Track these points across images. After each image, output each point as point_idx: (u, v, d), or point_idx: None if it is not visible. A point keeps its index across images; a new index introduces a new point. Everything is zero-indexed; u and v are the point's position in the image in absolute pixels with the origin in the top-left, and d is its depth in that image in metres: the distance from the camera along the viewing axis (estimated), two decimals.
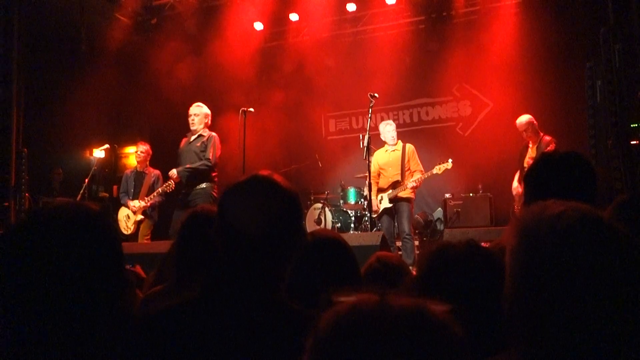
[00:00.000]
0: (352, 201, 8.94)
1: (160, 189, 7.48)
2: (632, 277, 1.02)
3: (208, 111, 7.01)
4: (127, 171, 8.32)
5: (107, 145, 8.93)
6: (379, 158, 7.57)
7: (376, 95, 6.81)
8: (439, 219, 9.62)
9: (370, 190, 7.00)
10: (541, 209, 1.12)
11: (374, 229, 7.22)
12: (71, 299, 1.12)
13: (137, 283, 3.13)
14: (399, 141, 7.52)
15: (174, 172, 6.73)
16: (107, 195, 9.93)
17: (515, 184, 7.33)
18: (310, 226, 8.96)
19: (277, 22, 10.37)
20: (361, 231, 8.60)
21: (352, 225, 9.00)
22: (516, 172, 7.47)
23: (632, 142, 5.94)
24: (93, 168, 8.49)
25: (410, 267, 3.74)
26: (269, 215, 1.47)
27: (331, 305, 0.80)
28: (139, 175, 8.05)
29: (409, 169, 7.36)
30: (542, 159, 2.26)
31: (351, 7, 10.03)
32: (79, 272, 1.13)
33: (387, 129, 7.51)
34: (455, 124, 10.56)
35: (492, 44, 9.40)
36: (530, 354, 1.06)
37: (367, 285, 2.15)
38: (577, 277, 1.02)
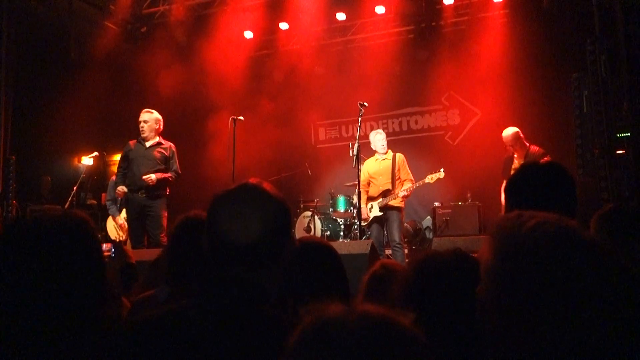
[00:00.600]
0: (341, 209, 8.95)
1: None
2: (606, 288, 1.02)
3: (159, 117, 6.90)
4: (114, 177, 8.29)
5: (96, 153, 8.90)
6: (369, 167, 7.59)
7: (366, 104, 6.84)
8: (427, 227, 9.65)
9: (359, 198, 7.01)
10: (515, 221, 1.12)
11: (364, 237, 7.23)
12: (51, 307, 1.12)
13: (127, 265, 3.08)
14: (389, 150, 7.54)
15: (152, 177, 6.60)
16: (96, 202, 9.89)
17: (504, 195, 7.35)
18: (299, 234, 8.96)
19: (267, 31, 10.40)
20: (350, 239, 8.61)
21: (342, 233, 9.01)
22: (502, 182, 7.51)
23: (618, 152, 6.00)
24: (81, 176, 8.47)
25: None
26: (258, 223, 1.47)
27: (306, 316, 0.80)
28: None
29: (399, 177, 7.37)
30: (522, 171, 2.28)
31: (341, 16, 10.09)
32: (59, 280, 1.13)
33: (377, 138, 7.52)
34: (444, 132, 10.62)
35: (480, 54, 9.49)
36: None
37: (370, 292, 2.16)
38: (550, 290, 1.03)
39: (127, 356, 1.36)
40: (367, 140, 7.77)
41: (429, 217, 9.68)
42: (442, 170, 7.24)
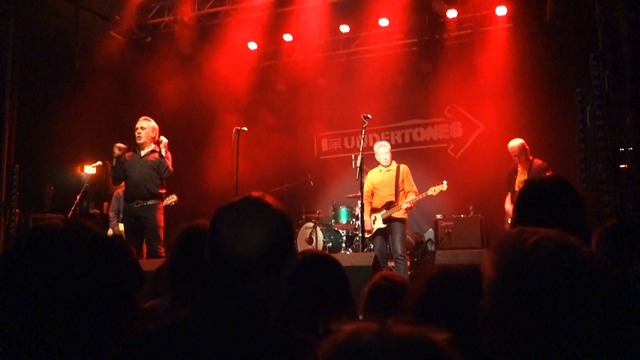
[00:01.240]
0: (343, 221, 8.95)
1: None
2: (604, 304, 1.04)
3: (156, 125, 6.90)
4: (119, 190, 8.29)
5: (99, 162, 8.92)
6: (372, 177, 7.59)
7: (369, 116, 6.86)
8: (429, 239, 9.63)
9: (362, 210, 7.01)
10: (516, 237, 1.13)
11: (365, 249, 7.22)
12: (77, 322, 1.12)
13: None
14: (393, 162, 7.54)
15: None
16: (98, 212, 9.89)
17: (507, 205, 7.37)
18: (301, 245, 8.95)
19: (271, 42, 10.44)
20: (352, 251, 8.59)
21: (343, 245, 8.99)
22: (506, 194, 7.52)
23: (621, 166, 6.00)
24: (85, 185, 8.47)
25: None
26: (260, 235, 1.48)
27: (330, 333, 0.79)
28: None
29: (402, 189, 7.36)
30: (530, 186, 2.28)
31: (345, 28, 10.13)
32: (89, 294, 1.13)
33: (381, 151, 7.51)
34: (447, 145, 10.63)
35: (483, 67, 9.51)
36: None
37: (371, 304, 2.15)
38: (550, 305, 1.04)
39: None
40: (370, 152, 7.77)
41: (431, 229, 9.66)
42: (445, 182, 7.25)
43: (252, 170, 8.74)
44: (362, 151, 6.82)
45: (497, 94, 9.41)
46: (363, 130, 6.82)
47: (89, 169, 9.11)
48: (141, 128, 6.76)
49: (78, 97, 9.18)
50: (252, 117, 9.79)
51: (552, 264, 1.06)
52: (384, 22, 9.76)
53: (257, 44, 10.35)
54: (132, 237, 6.55)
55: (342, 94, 10.62)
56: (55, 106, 9.22)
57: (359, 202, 7.06)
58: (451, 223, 8.97)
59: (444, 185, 7.24)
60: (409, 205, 7.19)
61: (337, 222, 9.03)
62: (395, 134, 10.96)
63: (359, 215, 7.17)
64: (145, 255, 6.60)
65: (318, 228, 9.14)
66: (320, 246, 8.87)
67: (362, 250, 7.17)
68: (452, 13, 9.37)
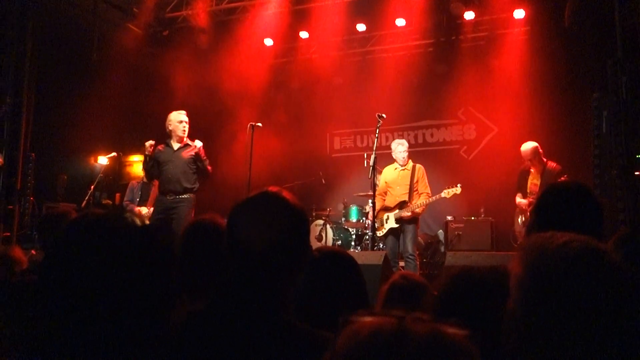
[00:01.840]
0: (353, 219, 8.96)
1: None
2: (630, 309, 1.06)
3: None
4: (134, 182, 8.35)
5: (114, 154, 8.98)
6: (386, 175, 7.55)
7: (384, 115, 6.86)
8: (440, 241, 9.63)
9: (374, 209, 7.01)
10: (545, 239, 1.15)
11: (375, 248, 7.23)
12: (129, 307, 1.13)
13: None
14: (410, 161, 7.52)
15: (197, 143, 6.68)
16: (111, 202, 9.96)
17: (518, 199, 7.33)
18: (311, 242, 8.96)
19: (287, 39, 10.45)
20: (362, 249, 8.61)
21: (353, 243, 9.01)
22: (516, 193, 7.47)
23: (636, 173, 5.98)
24: (99, 175, 8.53)
25: None
26: (277, 230, 1.50)
27: (347, 325, 0.80)
28: (145, 186, 8.11)
29: (416, 189, 7.33)
30: (552, 190, 2.29)
31: (361, 27, 10.14)
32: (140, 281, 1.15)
33: (399, 149, 7.44)
34: (460, 147, 10.62)
35: (498, 70, 9.49)
36: None
37: (389, 302, 2.16)
38: (578, 306, 1.06)
39: None
40: (383, 152, 7.77)
41: (441, 230, 9.66)
42: (459, 185, 7.23)
43: (263, 165, 8.76)
44: (375, 150, 6.82)
45: (512, 97, 9.38)
46: (377, 130, 6.82)
47: (103, 160, 9.19)
48: (186, 122, 6.80)
49: (94, 89, 9.24)
50: (266, 113, 9.82)
51: (580, 265, 1.09)
52: (400, 22, 9.75)
53: (273, 40, 10.37)
54: None
55: (357, 93, 10.62)
56: (72, 97, 9.29)
57: (370, 200, 7.06)
58: (461, 225, 8.95)
59: (458, 189, 7.22)
60: (419, 210, 7.18)
61: (347, 220, 9.05)
62: (409, 134, 10.95)
63: (370, 214, 7.17)
64: None
65: (328, 225, 9.17)
66: (329, 244, 8.89)
67: (372, 249, 7.19)
68: (469, 15, 9.36)
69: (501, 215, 8.55)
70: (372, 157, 6.78)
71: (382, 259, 5.24)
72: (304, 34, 10.33)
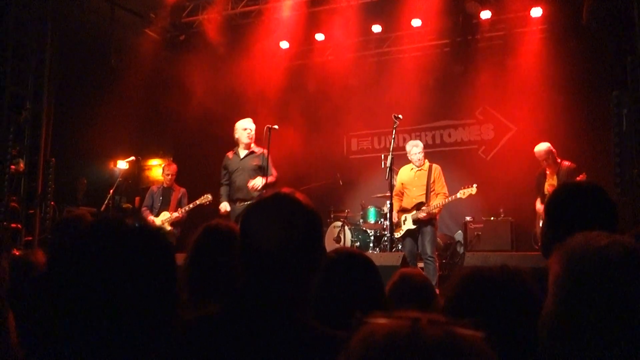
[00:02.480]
0: (371, 220, 8.94)
1: (192, 204, 7.66)
2: None
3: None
4: (154, 187, 8.39)
5: (133, 158, 9.05)
6: (402, 175, 7.51)
7: (400, 116, 6.83)
8: (458, 241, 9.57)
9: (391, 210, 6.98)
10: (586, 240, 1.15)
11: (393, 249, 7.20)
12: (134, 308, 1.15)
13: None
14: (426, 161, 7.48)
15: (257, 183, 6.69)
16: (130, 206, 10.05)
17: (539, 205, 7.30)
18: (329, 244, 8.95)
19: (303, 42, 10.46)
20: (380, 251, 8.58)
21: (371, 244, 8.98)
22: (536, 198, 7.45)
23: None
24: (118, 179, 8.61)
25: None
26: (290, 232, 1.49)
27: (362, 326, 0.79)
28: (166, 191, 8.15)
29: (433, 190, 7.27)
30: (563, 190, 2.26)
31: (377, 28, 10.12)
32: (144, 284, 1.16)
33: (414, 151, 7.39)
34: (478, 147, 10.55)
35: (516, 69, 9.41)
36: None
37: (392, 302, 2.15)
38: (619, 307, 1.06)
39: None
40: (400, 152, 7.74)
41: (460, 231, 9.60)
42: (474, 185, 7.18)
43: (281, 168, 8.79)
44: (392, 151, 6.80)
45: (530, 96, 9.31)
46: (394, 130, 6.79)
47: (122, 164, 9.28)
48: (252, 130, 6.92)
49: (113, 94, 9.35)
50: (283, 115, 9.83)
51: (620, 266, 1.09)
52: (416, 22, 9.71)
53: (289, 43, 10.40)
54: None
55: (373, 94, 10.61)
56: (91, 102, 9.41)
57: (388, 202, 7.03)
58: (481, 225, 8.89)
59: (474, 189, 7.16)
60: (435, 211, 7.14)
61: (365, 221, 9.02)
62: (426, 135, 10.90)
63: (388, 215, 7.14)
64: None
65: (346, 227, 9.15)
66: (348, 245, 8.86)
67: (390, 251, 7.16)
68: (486, 14, 9.30)
69: (521, 215, 8.48)
70: (389, 158, 6.76)
71: (400, 261, 5.23)
72: (319, 36, 10.34)
